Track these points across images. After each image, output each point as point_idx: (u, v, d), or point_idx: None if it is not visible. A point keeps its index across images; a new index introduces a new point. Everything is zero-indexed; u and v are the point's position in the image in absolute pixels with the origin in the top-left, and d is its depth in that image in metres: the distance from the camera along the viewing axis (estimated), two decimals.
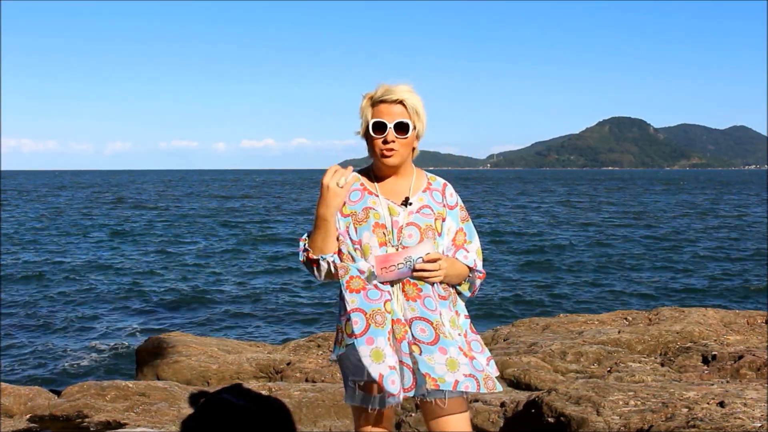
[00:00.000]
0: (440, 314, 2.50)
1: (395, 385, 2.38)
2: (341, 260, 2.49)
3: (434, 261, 2.43)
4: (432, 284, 2.51)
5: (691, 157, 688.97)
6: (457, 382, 2.41)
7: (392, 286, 2.50)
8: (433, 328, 2.46)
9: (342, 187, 2.44)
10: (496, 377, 2.56)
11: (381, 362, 2.38)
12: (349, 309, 2.43)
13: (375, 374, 2.37)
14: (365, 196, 2.56)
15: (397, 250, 2.48)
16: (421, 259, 2.42)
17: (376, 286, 2.46)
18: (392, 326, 2.44)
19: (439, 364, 2.41)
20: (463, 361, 2.46)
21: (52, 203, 52.35)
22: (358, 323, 2.41)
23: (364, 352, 2.39)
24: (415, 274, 2.44)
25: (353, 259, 2.49)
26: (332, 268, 2.48)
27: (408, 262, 2.42)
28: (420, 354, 2.42)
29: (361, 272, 2.46)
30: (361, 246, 2.50)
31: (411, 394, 2.45)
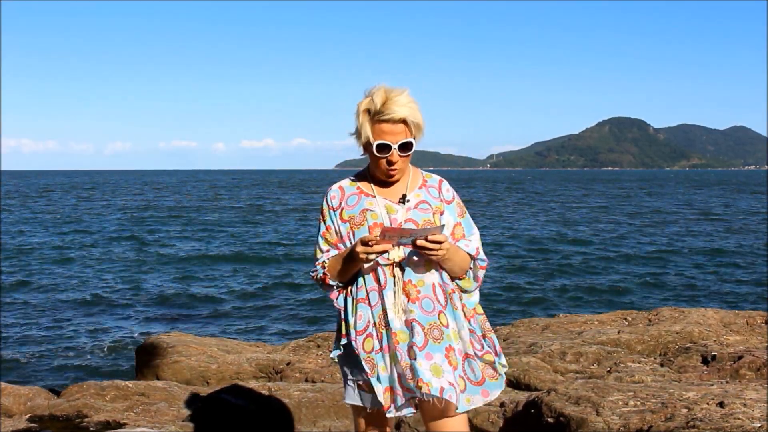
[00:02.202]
0: (438, 315, 2.50)
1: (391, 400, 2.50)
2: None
3: (438, 243, 2.40)
4: (430, 269, 2.51)
5: (690, 158, 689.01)
6: (442, 388, 2.42)
7: (394, 280, 2.49)
8: (425, 332, 2.47)
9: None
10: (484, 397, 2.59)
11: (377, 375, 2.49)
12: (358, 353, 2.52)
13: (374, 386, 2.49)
14: (361, 199, 2.58)
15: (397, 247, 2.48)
16: (425, 239, 2.39)
17: (368, 301, 2.52)
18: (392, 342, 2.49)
19: (426, 369, 2.43)
20: (446, 369, 2.46)
21: (50, 204, 52.34)
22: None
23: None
24: (416, 245, 2.42)
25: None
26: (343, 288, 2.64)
27: (411, 236, 2.40)
28: (414, 359, 2.44)
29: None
30: None
31: (406, 413, 2.50)
